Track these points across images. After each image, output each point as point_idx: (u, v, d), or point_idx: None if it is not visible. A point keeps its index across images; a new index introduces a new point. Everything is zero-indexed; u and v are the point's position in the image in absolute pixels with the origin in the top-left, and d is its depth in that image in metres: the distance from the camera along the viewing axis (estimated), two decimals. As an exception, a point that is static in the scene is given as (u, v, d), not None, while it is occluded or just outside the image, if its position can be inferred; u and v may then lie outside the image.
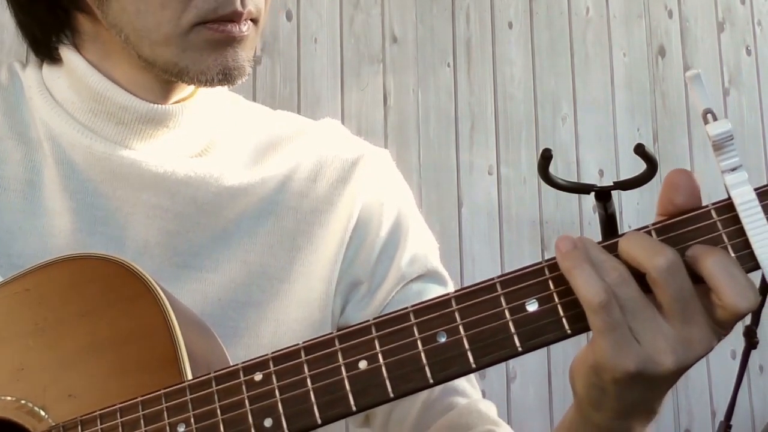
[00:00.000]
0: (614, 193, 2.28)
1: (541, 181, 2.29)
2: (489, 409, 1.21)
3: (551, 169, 2.26)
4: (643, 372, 0.84)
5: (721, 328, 0.85)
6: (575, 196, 3.21)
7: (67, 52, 1.18)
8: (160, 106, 1.16)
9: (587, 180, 3.24)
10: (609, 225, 2.23)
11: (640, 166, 2.24)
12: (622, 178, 2.82)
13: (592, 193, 2.28)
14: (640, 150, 2.23)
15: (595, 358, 0.85)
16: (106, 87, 1.16)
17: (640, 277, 0.84)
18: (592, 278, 0.83)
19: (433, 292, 1.24)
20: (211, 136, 1.22)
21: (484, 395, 1.25)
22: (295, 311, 1.19)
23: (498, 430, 1.18)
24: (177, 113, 1.17)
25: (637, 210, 3.33)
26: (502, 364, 3.06)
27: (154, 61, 1.12)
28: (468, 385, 1.22)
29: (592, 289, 0.83)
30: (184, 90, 1.19)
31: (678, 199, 0.86)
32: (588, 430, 0.93)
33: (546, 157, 2.23)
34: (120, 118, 1.16)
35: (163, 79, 1.16)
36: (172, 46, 1.11)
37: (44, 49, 1.20)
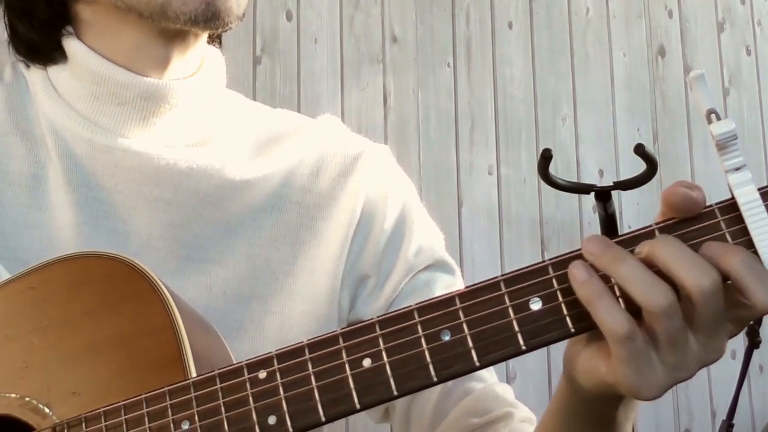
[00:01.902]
0: (614, 193, 2.30)
1: (541, 181, 2.30)
2: (505, 391, 1.22)
3: (551, 169, 2.27)
4: (668, 390, 0.84)
5: (736, 328, 0.85)
6: (575, 196, 3.21)
7: (68, 42, 1.19)
8: (159, 81, 1.17)
9: (587, 180, 3.24)
10: (609, 225, 2.25)
11: (640, 166, 2.26)
12: (622, 178, 2.84)
13: (592, 193, 2.30)
14: (640, 150, 2.25)
15: (616, 379, 0.84)
16: (106, 66, 1.17)
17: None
18: (614, 308, 0.82)
19: (442, 281, 1.25)
20: (211, 126, 1.22)
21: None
22: (300, 305, 1.20)
23: (516, 411, 1.19)
24: (177, 89, 1.18)
25: (637, 210, 3.34)
26: (502, 364, 3.06)
27: (138, 3, 1.13)
28: (484, 370, 1.22)
29: (615, 321, 0.82)
30: (182, 64, 1.20)
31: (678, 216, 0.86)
32: (588, 415, 0.95)
33: (546, 157, 2.25)
34: (121, 98, 1.17)
35: (158, 38, 1.17)
36: None
37: (43, 55, 1.21)
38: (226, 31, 1.16)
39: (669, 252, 0.82)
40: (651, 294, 0.81)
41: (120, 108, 1.17)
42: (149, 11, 1.13)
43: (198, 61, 1.23)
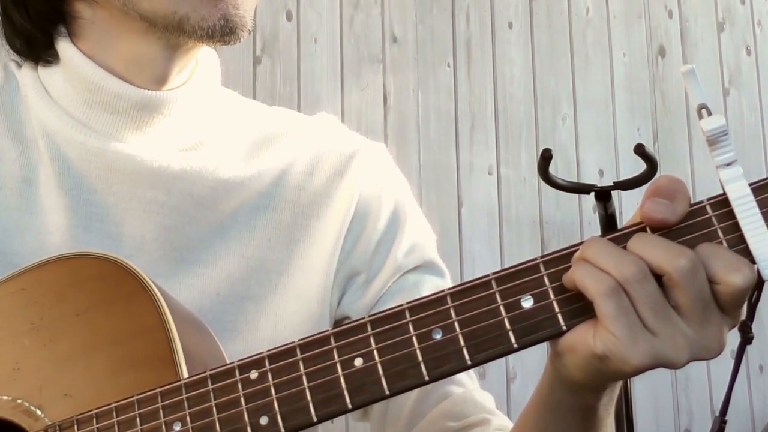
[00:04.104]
0: (614, 193, 2.29)
1: (541, 181, 2.30)
2: (485, 399, 1.21)
3: (551, 169, 2.27)
4: (655, 366, 0.84)
5: (730, 317, 0.85)
6: (575, 196, 3.20)
7: (62, 45, 1.18)
8: (154, 92, 1.17)
9: (587, 180, 3.24)
10: (609, 225, 2.24)
11: (640, 166, 2.25)
12: (622, 178, 2.83)
13: (592, 193, 2.29)
14: (640, 150, 2.24)
15: (605, 345, 0.84)
16: (101, 76, 1.16)
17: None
18: (593, 268, 0.84)
19: (430, 283, 1.24)
20: (205, 129, 1.22)
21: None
22: (294, 305, 1.20)
23: (494, 419, 1.18)
24: (171, 100, 1.18)
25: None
26: (502, 364, 3.06)
27: (154, 16, 1.12)
28: (465, 376, 1.22)
29: (598, 277, 0.83)
30: (180, 70, 1.19)
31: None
32: (569, 407, 0.95)
33: (546, 157, 2.24)
34: (115, 107, 1.16)
35: (164, 49, 1.16)
36: None
37: (38, 51, 1.20)
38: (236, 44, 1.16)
39: (645, 245, 0.84)
40: (621, 263, 0.83)
41: (113, 116, 1.17)
42: (164, 23, 1.12)
43: (192, 66, 1.22)
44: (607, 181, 2.55)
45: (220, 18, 1.11)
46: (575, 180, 3.22)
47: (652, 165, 2.24)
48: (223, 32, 1.12)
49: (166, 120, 1.18)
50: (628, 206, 3.30)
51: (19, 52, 1.22)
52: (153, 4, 1.12)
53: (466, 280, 1.14)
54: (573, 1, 3.49)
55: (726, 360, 3.36)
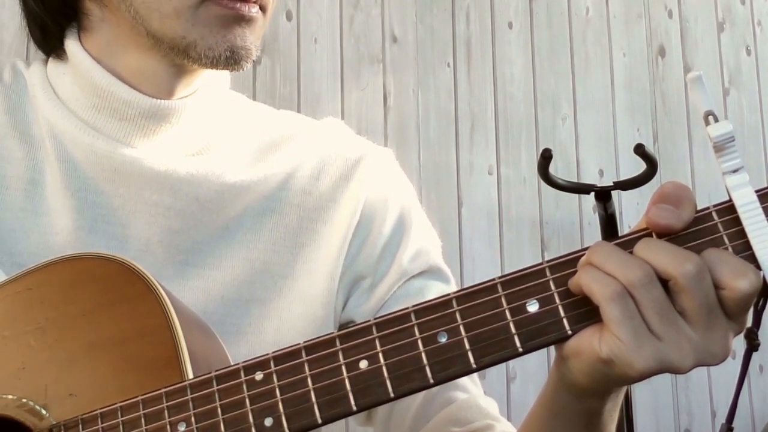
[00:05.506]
0: (614, 193, 2.29)
1: (541, 181, 2.30)
2: (489, 405, 1.22)
3: (551, 169, 2.27)
4: (660, 371, 0.84)
5: (735, 323, 0.86)
6: (575, 196, 3.20)
7: (72, 46, 1.19)
8: (163, 101, 1.17)
9: (587, 180, 3.24)
10: (609, 225, 2.25)
11: (640, 166, 2.25)
12: (622, 178, 2.84)
13: (592, 193, 2.29)
14: (640, 150, 2.25)
15: (610, 349, 0.84)
16: (110, 82, 1.16)
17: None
18: (599, 273, 0.84)
19: (435, 288, 1.24)
20: (212, 134, 1.22)
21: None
22: (298, 308, 1.20)
23: (497, 425, 1.18)
24: (179, 109, 1.18)
25: (637, 210, 3.33)
26: (502, 364, 3.06)
27: (162, 36, 1.13)
28: (469, 381, 1.22)
29: (604, 281, 0.83)
30: (187, 86, 1.20)
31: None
32: (574, 411, 0.95)
33: (546, 157, 2.25)
34: (123, 114, 1.16)
35: (169, 66, 1.17)
36: (181, 19, 1.11)
37: (52, 42, 1.21)
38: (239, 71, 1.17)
39: (652, 250, 0.84)
40: (627, 268, 0.83)
41: (121, 123, 1.17)
42: (171, 45, 1.13)
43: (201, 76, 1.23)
44: (607, 181, 2.55)
45: (227, 49, 1.12)
46: (575, 180, 3.22)
47: (652, 165, 2.24)
48: (227, 63, 1.13)
49: (174, 128, 1.18)
50: (628, 206, 3.30)
51: (36, 40, 1.23)
52: (163, 26, 1.12)
53: (466, 279, 1.15)
54: (573, 1, 3.49)
55: (726, 360, 3.35)
